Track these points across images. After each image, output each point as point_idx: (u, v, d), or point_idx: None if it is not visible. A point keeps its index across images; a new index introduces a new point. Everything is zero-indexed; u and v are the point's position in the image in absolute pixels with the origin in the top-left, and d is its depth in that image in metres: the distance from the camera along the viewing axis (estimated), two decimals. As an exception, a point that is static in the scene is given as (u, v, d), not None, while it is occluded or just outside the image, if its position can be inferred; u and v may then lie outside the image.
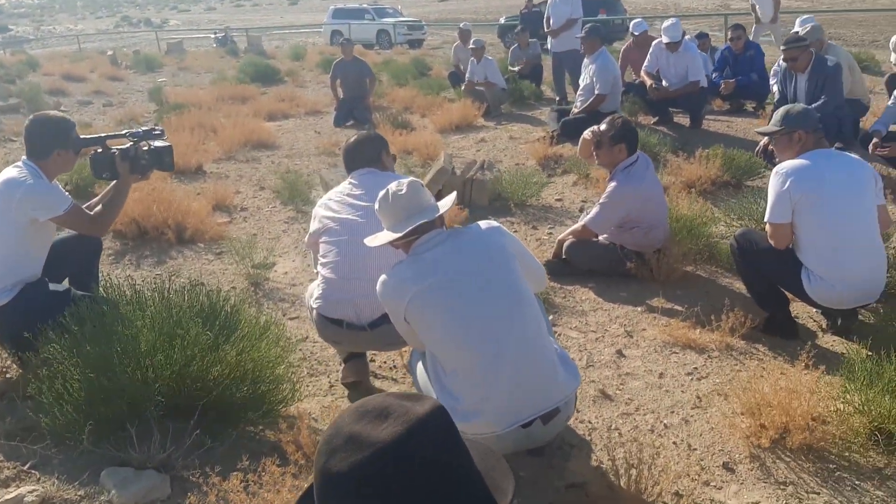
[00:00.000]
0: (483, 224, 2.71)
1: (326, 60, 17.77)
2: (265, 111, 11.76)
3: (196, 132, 9.38)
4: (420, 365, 2.81)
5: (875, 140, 6.12)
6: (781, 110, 3.92)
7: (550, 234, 5.63)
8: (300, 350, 3.88)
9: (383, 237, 2.69)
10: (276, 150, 9.18)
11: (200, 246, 5.65)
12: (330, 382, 3.62)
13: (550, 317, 3.88)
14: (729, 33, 10.70)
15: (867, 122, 7.82)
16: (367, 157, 3.50)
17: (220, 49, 27.61)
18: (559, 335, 3.95)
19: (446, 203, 2.71)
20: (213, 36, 31.81)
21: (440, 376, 2.61)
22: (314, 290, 3.39)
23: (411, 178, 2.76)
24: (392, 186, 2.67)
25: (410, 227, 2.60)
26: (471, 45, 11.28)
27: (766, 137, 5.85)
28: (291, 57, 22.59)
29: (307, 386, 3.56)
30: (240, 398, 2.92)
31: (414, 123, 10.14)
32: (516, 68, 12.08)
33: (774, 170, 3.75)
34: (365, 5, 31.56)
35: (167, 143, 3.81)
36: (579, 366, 3.64)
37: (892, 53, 8.74)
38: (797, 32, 7.52)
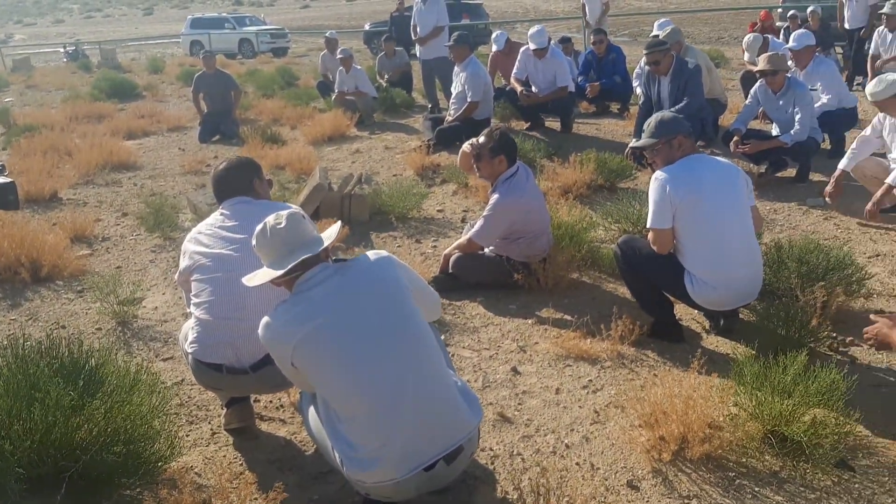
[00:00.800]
0: (372, 255, 2.55)
1: (187, 73, 17.08)
2: (124, 129, 11.13)
3: (49, 156, 8.76)
4: (312, 409, 2.61)
5: (735, 138, 6.38)
6: (652, 121, 3.94)
7: (435, 247, 5.53)
8: (177, 395, 3.59)
9: (263, 275, 2.48)
10: (139, 171, 8.67)
11: (59, 284, 5.19)
12: (212, 429, 3.35)
13: (442, 336, 3.78)
14: (591, 37, 10.99)
15: (725, 119, 8.20)
16: (237, 185, 3.24)
17: (71, 64, 26.10)
18: (452, 355, 3.84)
19: (331, 234, 2.54)
20: (62, 50, 30.04)
21: (334, 422, 2.43)
22: (188, 331, 3.12)
23: (290, 210, 2.57)
24: (270, 220, 2.47)
25: (293, 264, 2.41)
26: (338, 55, 11.07)
27: (634, 139, 6.00)
28: (149, 70, 21.62)
29: (187, 435, 3.28)
30: (112, 462, 2.62)
31: (284, 136, 9.83)
32: (384, 78, 11.96)
33: (654, 176, 3.78)
34: (224, 14, 30.64)
35: (9, 180, 3.43)
36: (475, 387, 3.56)
37: (746, 52, 9.20)
38: (657, 36, 7.78)
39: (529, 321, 4.26)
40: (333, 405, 2.43)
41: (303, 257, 2.40)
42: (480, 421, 2.58)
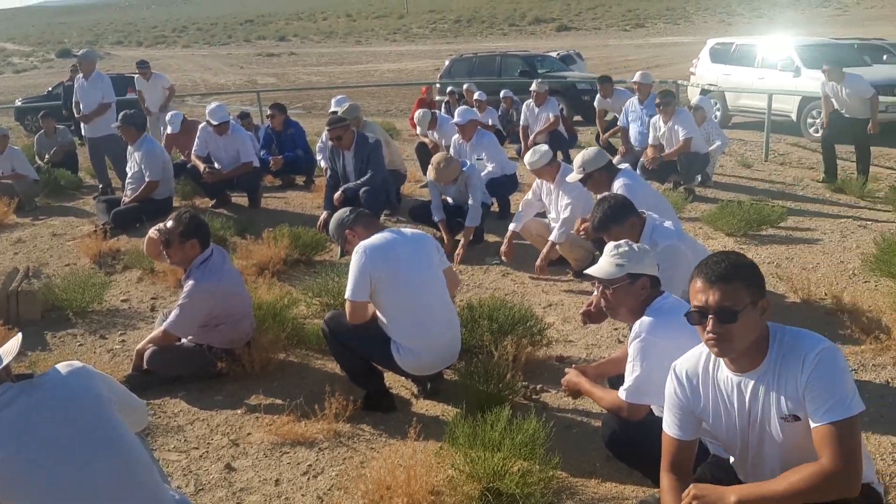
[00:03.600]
0: (63, 368, 2.26)
1: None
2: None
3: None
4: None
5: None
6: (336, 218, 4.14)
7: (123, 342, 5.09)
8: None
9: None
10: None
11: None
12: None
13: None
14: (266, 111, 11.06)
15: (407, 188, 8.66)
16: None
17: None
18: (159, 460, 3.52)
19: (10, 350, 2.21)
20: None
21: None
22: None
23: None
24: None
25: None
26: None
27: (326, 213, 6.14)
28: None
29: None
30: None
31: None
32: (45, 159, 10.92)
33: (356, 248, 3.87)
34: None
35: None
36: (188, 492, 3.31)
37: (418, 127, 9.87)
38: (336, 112, 8.06)
39: (239, 411, 4.08)
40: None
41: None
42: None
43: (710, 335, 2.21)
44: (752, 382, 2.27)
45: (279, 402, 4.13)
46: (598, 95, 10.96)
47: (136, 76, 12.72)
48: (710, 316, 2.19)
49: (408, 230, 4.16)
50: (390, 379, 4.19)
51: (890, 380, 4.04)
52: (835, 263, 5.78)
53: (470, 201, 6.61)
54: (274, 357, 4.54)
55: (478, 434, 3.18)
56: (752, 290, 2.20)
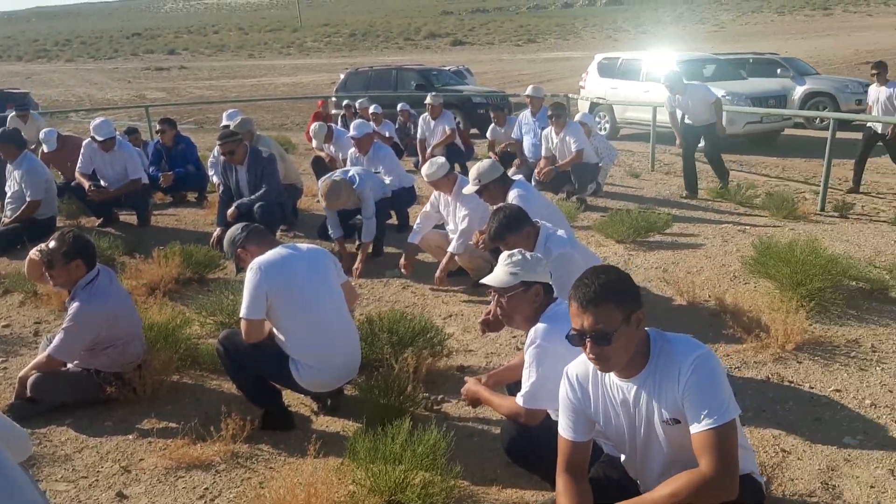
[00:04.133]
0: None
1: None
2: None
3: None
4: None
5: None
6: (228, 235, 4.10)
7: (5, 369, 4.82)
8: None
9: None
10: None
11: None
12: None
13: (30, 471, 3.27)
14: (156, 126, 10.74)
15: (303, 202, 8.58)
16: None
17: None
18: (46, 492, 3.35)
19: None
20: None
21: None
22: None
23: None
24: None
25: None
26: None
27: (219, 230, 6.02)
28: None
29: None
30: None
31: None
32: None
33: (250, 265, 3.80)
34: None
35: None
36: (76, 525, 3.15)
37: (314, 140, 9.78)
38: (228, 126, 7.90)
39: (130, 436, 3.92)
40: None
41: None
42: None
43: (590, 356, 2.32)
44: (636, 388, 2.38)
45: (173, 425, 3.99)
46: (492, 125, 11.06)
47: (10, 115, 12.03)
48: (588, 339, 2.28)
49: (303, 245, 4.11)
50: (289, 396, 4.12)
51: (770, 376, 4.27)
52: (717, 267, 6.07)
53: (363, 215, 6.61)
54: (167, 379, 4.39)
55: (379, 448, 3.17)
56: (625, 306, 2.29)
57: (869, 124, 9.94)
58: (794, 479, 3.30)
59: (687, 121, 9.33)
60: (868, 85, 17.33)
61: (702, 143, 9.59)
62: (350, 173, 6.74)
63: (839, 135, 8.95)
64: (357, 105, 13.10)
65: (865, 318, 4.91)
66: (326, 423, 4.01)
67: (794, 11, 65.71)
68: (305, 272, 3.86)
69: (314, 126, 10.01)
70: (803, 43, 37.33)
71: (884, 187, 10.41)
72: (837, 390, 4.07)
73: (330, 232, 6.79)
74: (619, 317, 2.27)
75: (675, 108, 9.29)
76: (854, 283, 5.36)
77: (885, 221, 7.88)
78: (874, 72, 9.74)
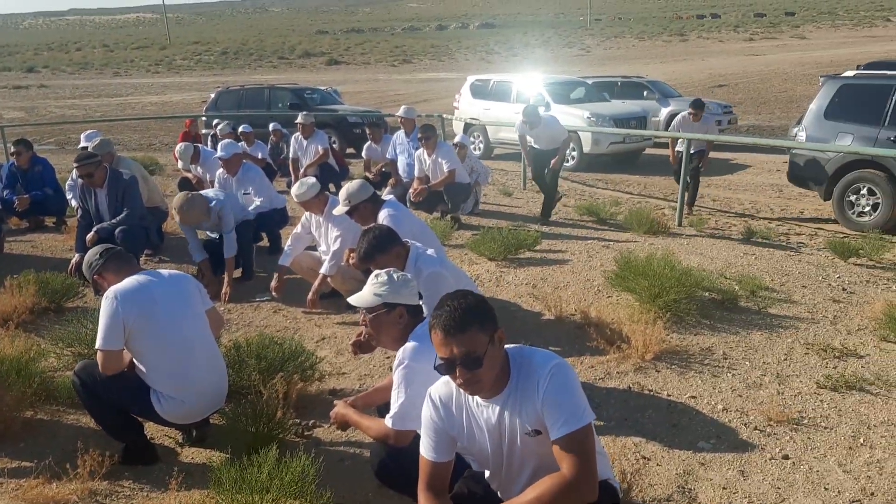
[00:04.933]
0: None
1: None
2: None
3: None
4: None
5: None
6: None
7: None
8: None
9: None
10: None
11: None
12: None
13: None
14: (10, 147, 10.13)
15: (169, 226, 8.28)
16: None
17: None
18: None
19: None
20: None
21: None
22: None
23: None
24: None
25: None
26: None
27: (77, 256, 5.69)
28: None
29: None
30: None
31: None
32: None
33: (106, 294, 3.64)
34: None
35: None
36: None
37: (179, 161, 9.48)
38: (86, 147, 7.56)
39: (-23, 480, 3.66)
40: None
41: None
42: None
43: (462, 382, 2.36)
44: (499, 407, 2.45)
45: (27, 464, 3.75)
46: (367, 143, 11.05)
47: None
48: (458, 366, 2.32)
49: (165, 271, 3.97)
50: (151, 428, 3.96)
51: (631, 385, 4.46)
52: (582, 281, 6.30)
53: (223, 231, 6.48)
54: (20, 416, 4.13)
55: (245, 477, 3.09)
56: (487, 328, 2.35)
57: (678, 149, 10.24)
58: (653, 484, 3.46)
59: (535, 145, 9.47)
60: (727, 107, 18.62)
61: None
62: (210, 194, 6.60)
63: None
64: (218, 130, 12.40)
65: (717, 327, 5.23)
66: (192, 455, 3.87)
67: (654, 37, 69.46)
68: (166, 299, 3.73)
69: (180, 146, 9.72)
70: (662, 67, 39.44)
71: (735, 203, 11.12)
72: (693, 397, 4.30)
73: (194, 257, 6.59)
74: (485, 339, 2.33)
75: (525, 134, 9.49)
76: (707, 293, 5.69)
77: (734, 239, 8.40)
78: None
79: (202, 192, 6.98)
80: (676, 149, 10.19)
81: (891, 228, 8.70)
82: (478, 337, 2.32)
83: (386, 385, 3.40)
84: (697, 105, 10.18)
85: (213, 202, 6.44)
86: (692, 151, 9.60)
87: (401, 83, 41.52)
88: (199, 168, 9.38)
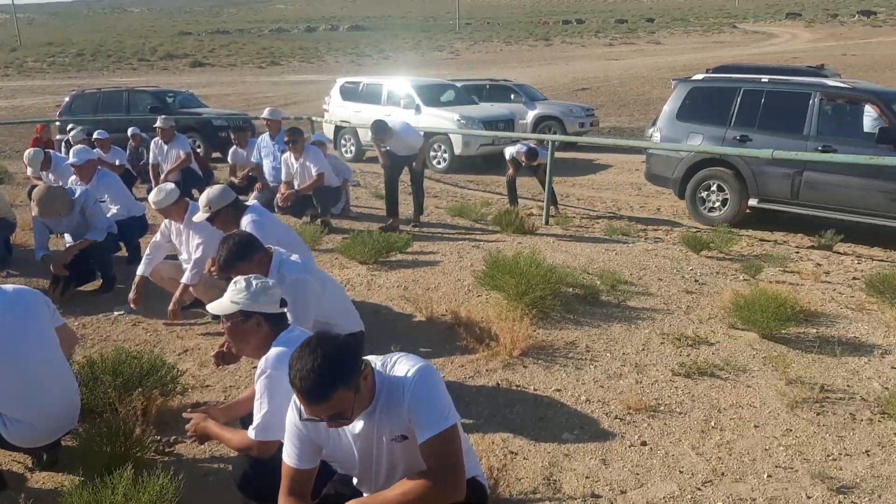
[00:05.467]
0: None
1: None
2: None
3: None
4: None
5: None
6: None
7: None
8: None
9: None
10: None
11: None
12: None
13: None
14: None
15: (17, 237, 7.77)
16: None
17: None
18: None
19: None
20: None
21: None
22: None
23: None
24: None
25: None
26: None
27: None
28: None
29: None
30: None
31: None
32: None
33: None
34: None
35: None
36: None
37: (29, 167, 8.91)
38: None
39: None
40: None
41: None
42: None
43: (330, 426, 2.36)
44: (364, 422, 2.44)
45: None
46: (233, 148, 10.70)
47: None
48: (327, 423, 2.33)
49: (9, 287, 3.70)
50: (-3, 455, 3.69)
51: (500, 382, 4.54)
52: (453, 282, 6.36)
53: (92, 222, 6.27)
54: None
55: (99, 500, 2.93)
56: (351, 382, 2.29)
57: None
58: (520, 478, 3.53)
59: (393, 151, 9.26)
60: (590, 110, 19.28)
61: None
62: (75, 188, 6.37)
63: (563, 155, 9.78)
64: (71, 136, 11.65)
65: (581, 321, 5.40)
66: (42, 480, 3.63)
67: (520, 41, 71.14)
68: (10, 318, 3.47)
69: (29, 152, 9.11)
70: (528, 70, 40.47)
71: (598, 202, 11.55)
72: (558, 390, 4.42)
73: (36, 254, 6.31)
74: (350, 394, 2.29)
75: (378, 144, 9.37)
76: (571, 289, 5.87)
77: (596, 237, 8.72)
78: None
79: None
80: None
81: (738, 223, 9.30)
82: (342, 396, 2.27)
83: (249, 395, 3.31)
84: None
85: (77, 194, 6.14)
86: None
87: (269, 85, 40.64)
88: (50, 175, 8.82)
